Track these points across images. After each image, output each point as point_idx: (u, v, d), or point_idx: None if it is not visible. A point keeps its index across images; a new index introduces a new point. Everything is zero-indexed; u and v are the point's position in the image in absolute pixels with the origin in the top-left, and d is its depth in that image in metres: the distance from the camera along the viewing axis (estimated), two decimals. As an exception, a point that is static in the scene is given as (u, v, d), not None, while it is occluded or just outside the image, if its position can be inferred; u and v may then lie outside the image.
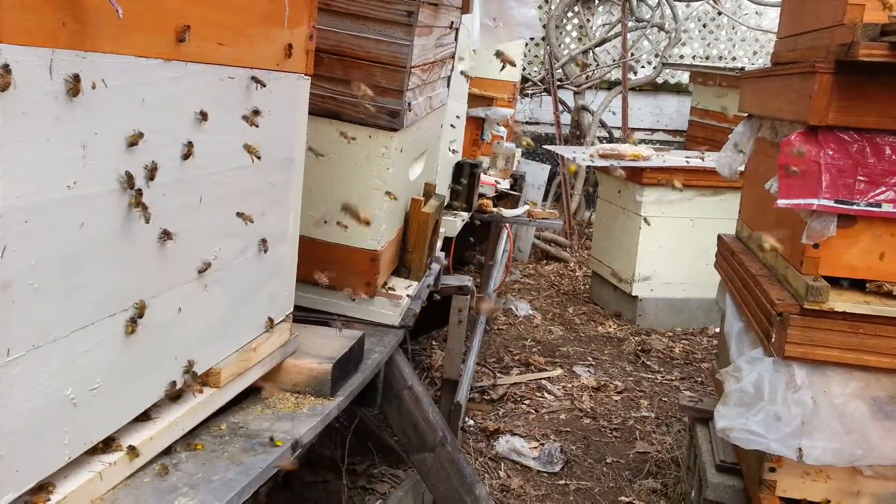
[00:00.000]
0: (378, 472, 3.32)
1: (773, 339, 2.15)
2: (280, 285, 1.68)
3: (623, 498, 3.29)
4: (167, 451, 1.30)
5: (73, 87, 0.90)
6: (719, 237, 3.17)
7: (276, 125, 1.53)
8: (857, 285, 2.19)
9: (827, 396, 2.16)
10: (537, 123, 9.03)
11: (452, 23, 2.65)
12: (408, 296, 2.51)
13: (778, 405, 2.09)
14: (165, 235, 1.18)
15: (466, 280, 3.29)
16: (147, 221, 1.10)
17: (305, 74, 1.62)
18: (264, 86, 1.37)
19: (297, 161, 1.66)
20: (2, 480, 0.90)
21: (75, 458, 1.05)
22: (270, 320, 1.62)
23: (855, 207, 2.11)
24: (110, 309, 1.08)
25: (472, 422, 3.90)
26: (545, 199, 8.17)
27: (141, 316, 1.12)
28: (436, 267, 3.08)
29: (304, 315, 2.39)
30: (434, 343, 4.90)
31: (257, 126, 1.38)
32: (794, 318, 2.12)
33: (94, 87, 0.95)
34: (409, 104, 2.27)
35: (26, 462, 0.94)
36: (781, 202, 2.13)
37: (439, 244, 3.19)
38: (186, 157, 1.20)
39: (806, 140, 2.13)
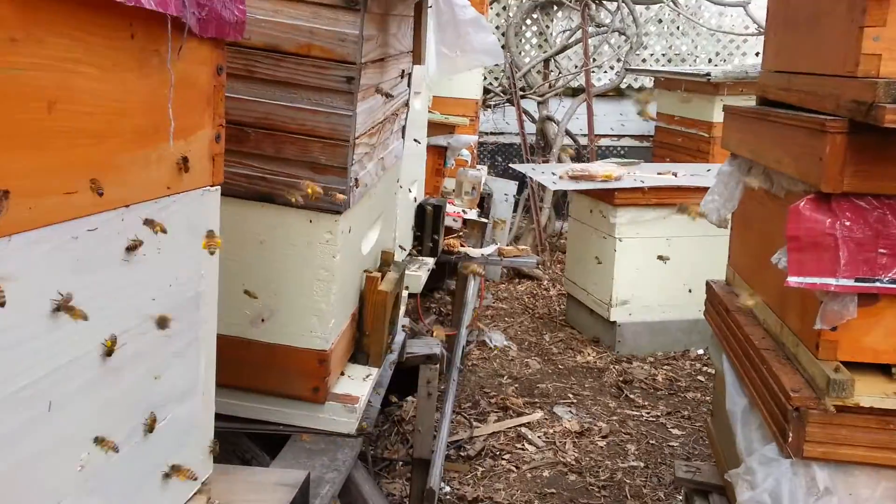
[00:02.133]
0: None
1: (789, 438, 1.85)
2: (189, 454, 1.32)
3: (618, 576, 2.99)
4: None
5: None
6: (708, 285, 2.87)
7: (173, 262, 1.17)
8: (881, 367, 1.91)
9: (854, 500, 1.87)
10: (502, 134, 8.74)
11: (403, 70, 2.30)
12: (366, 391, 2.16)
13: (801, 519, 1.79)
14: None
15: (435, 345, 2.95)
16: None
17: (213, 185, 1.26)
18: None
19: (206, 293, 1.30)
20: None
21: None
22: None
23: (878, 285, 1.81)
24: None
25: (448, 488, 3.57)
26: (514, 210, 7.87)
27: None
28: (399, 339, 2.73)
29: (242, 427, 2.04)
30: (408, 397, 4.56)
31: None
32: (813, 415, 1.82)
33: None
34: (356, 179, 1.91)
35: None
36: (793, 280, 1.82)
37: (403, 309, 2.85)
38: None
39: (818, 208, 1.83)
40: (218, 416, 1.98)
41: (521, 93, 7.59)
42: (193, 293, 1.26)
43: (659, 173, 5.47)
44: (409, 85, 2.49)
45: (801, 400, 1.84)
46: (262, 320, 1.96)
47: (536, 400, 4.57)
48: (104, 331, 1.02)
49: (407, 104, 2.54)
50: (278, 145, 1.79)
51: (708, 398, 4.64)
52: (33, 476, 0.91)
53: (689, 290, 5.09)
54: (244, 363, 1.97)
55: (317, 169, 1.82)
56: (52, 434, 0.93)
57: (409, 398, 4.37)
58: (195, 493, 1.36)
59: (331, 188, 1.81)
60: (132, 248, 1.05)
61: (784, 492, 1.85)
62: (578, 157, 7.85)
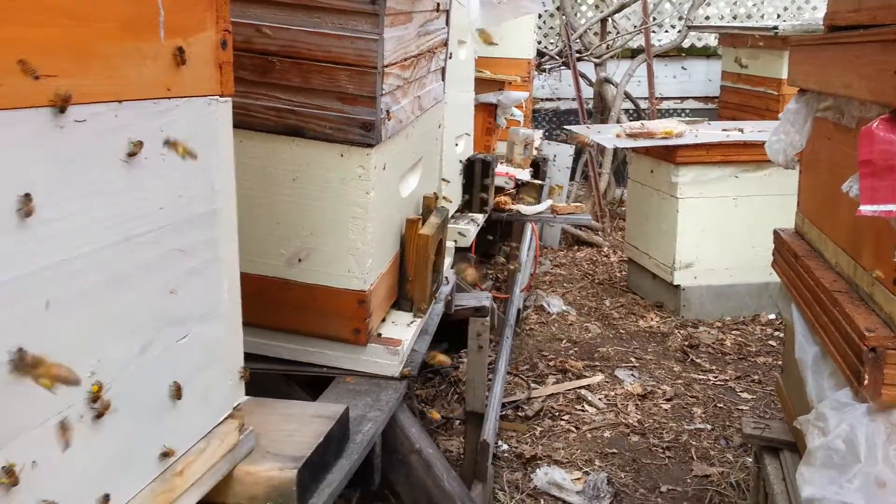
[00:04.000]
0: (400, 522, 2.95)
1: (865, 382, 1.68)
2: (217, 376, 1.27)
3: (683, 536, 2.85)
4: None
5: None
6: (776, 234, 2.68)
7: (180, 171, 1.12)
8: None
9: (942, 444, 1.69)
10: (558, 100, 8.52)
11: (438, 4, 2.20)
12: (410, 336, 2.10)
13: (879, 466, 1.63)
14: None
15: (484, 298, 2.86)
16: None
17: (222, 96, 1.20)
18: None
19: (223, 211, 1.25)
20: None
21: None
22: (184, 415, 1.21)
23: (965, 206, 1.62)
24: None
25: (505, 446, 3.49)
26: (572, 178, 7.67)
27: None
28: (446, 289, 2.66)
29: (285, 369, 2.01)
30: (463, 350, 4.50)
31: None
32: (891, 355, 1.66)
33: None
34: (388, 111, 1.83)
35: None
36: (866, 209, 1.64)
37: (448, 261, 2.77)
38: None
39: (892, 128, 1.65)
40: (260, 358, 1.97)
41: (577, 55, 7.35)
42: (207, 210, 1.21)
43: (724, 130, 5.20)
44: (447, 23, 2.39)
45: (878, 340, 1.67)
46: (299, 260, 1.91)
47: (597, 363, 4.43)
48: (107, 233, 0.97)
49: (446, 44, 2.44)
50: (305, 75, 1.73)
51: (780, 363, 4.40)
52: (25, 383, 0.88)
53: (758, 252, 4.83)
54: (284, 304, 1.93)
55: (345, 99, 1.75)
56: (52, 334, 0.89)
57: (466, 358, 4.31)
58: (226, 417, 1.32)
59: (359, 118, 1.74)
60: (132, 150, 1.00)
61: (860, 438, 1.69)
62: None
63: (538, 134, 5.65)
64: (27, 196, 0.83)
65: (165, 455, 1.13)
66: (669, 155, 4.86)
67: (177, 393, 1.15)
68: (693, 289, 5.08)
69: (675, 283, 5.05)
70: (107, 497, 0.99)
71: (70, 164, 0.89)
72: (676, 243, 4.98)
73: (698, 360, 4.45)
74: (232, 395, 1.34)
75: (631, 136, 4.85)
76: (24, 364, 0.83)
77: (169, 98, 1.05)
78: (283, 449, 1.41)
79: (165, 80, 1.04)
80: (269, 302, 1.94)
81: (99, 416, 0.96)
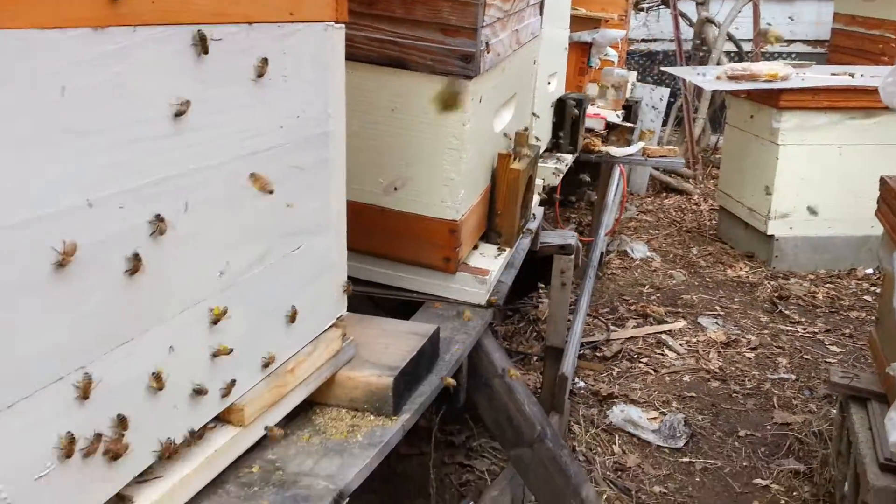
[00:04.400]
0: (477, 445, 3.08)
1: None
2: (325, 286, 1.38)
3: (759, 480, 2.87)
4: (178, 514, 1.06)
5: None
6: (882, 180, 2.57)
7: (298, 94, 1.20)
8: None
9: None
10: (654, 41, 8.20)
11: (540, -65, 2.18)
12: (497, 267, 2.16)
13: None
14: (134, 263, 0.90)
15: (570, 237, 2.89)
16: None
17: (337, 22, 1.27)
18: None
19: (335, 133, 1.33)
20: None
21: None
22: (296, 320, 1.32)
23: None
24: (53, 375, 0.82)
25: (582, 383, 3.56)
26: (664, 124, 7.44)
27: (86, 396, 0.85)
28: (533, 225, 2.70)
29: (378, 292, 2.12)
30: (542, 290, 4.56)
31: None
32: None
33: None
34: (487, 44, 1.86)
35: None
36: None
37: (536, 199, 2.80)
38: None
39: None
40: (355, 281, 2.08)
41: (678, -7, 7.02)
42: (321, 131, 1.29)
43: (833, 74, 4.91)
44: (547, -45, 2.36)
45: None
46: (395, 189, 1.99)
47: (679, 310, 4.40)
48: (236, 146, 1.07)
49: (545, -24, 2.41)
50: (408, 6, 1.77)
51: (874, 317, 4.24)
52: (179, 271, 0.99)
53: (860, 203, 4.60)
54: (379, 231, 2.03)
55: (447, 31, 1.79)
56: (188, 234, 1.00)
57: (546, 300, 4.37)
58: (331, 326, 1.43)
59: (460, 50, 1.77)
60: (260, 68, 1.08)
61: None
62: (740, 63, 7.20)
63: (632, 76, 5.49)
64: (180, 103, 0.93)
65: (279, 354, 1.26)
66: (772, 99, 4.65)
67: (292, 313, 1.26)
68: (787, 239, 4.92)
69: (769, 232, 4.89)
70: (233, 382, 1.12)
71: (209, 79, 0.98)
72: (773, 192, 4.81)
73: (787, 312, 4.35)
74: (336, 307, 1.45)
75: (732, 78, 4.66)
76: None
77: (291, 22, 1.12)
78: (380, 359, 1.52)
79: (288, 6, 1.11)
80: (366, 228, 2.04)
81: (221, 315, 1.07)
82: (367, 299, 2.15)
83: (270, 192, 1.12)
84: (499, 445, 3.04)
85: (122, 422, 0.92)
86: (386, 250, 2.06)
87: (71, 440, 0.85)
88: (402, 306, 2.13)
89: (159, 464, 1.03)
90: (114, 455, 0.91)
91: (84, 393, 0.85)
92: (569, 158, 3.50)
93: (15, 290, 0.76)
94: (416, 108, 1.90)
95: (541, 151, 3.15)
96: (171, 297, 0.99)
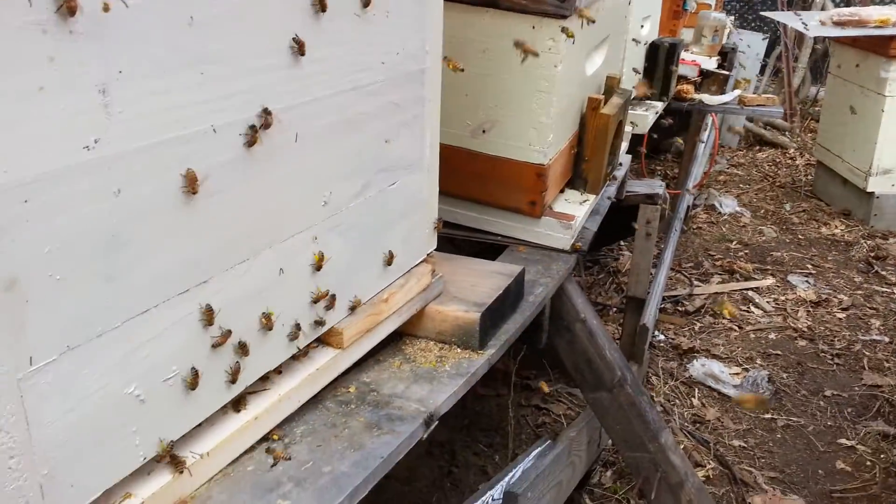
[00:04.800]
0: (554, 390, 3.12)
1: None
2: (417, 222, 1.42)
3: (844, 440, 2.80)
4: (282, 425, 1.14)
5: (69, 5, 0.66)
6: None
7: (399, 30, 1.22)
8: None
9: None
10: (754, -17, 7.74)
11: None
12: (583, 213, 2.15)
13: None
14: (249, 188, 0.95)
15: (657, 186, 2.83)
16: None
17: (436, -42, 1.27)
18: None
19: (431, 71, 1.35)
20: (53, 500, 0.78)
21: (153, 457, 0.91)
22: (391, 253, 1.36)
23: None
24: (180, 285, 0.89)
25: (662, 336, 3.53)
26: (761, 73, 7.07)
27: (210, 322, 0.93)
28: (619, 173, 2.66)
29: (462, 235, 2.15)
30: (622, 243, 4.50)
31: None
32: None
33: (106, 9, 0.71)
34: (582, -18, 1.82)
35: (83, 474, 0.81)
36: None
37: (624, 145, 2.75)
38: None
39: None
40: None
41: (783, -70, 6.58)
42: (418, 68, 1.31)
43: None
44: None
45: None
46: (483, 131, 2.00)
47: (768, 267, 4.26)
48: (341, 80, 1.11)
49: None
50: (503, -57, 1.75)
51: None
52: (289, 198, 1.05)
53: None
54: (466, 173, 2.05)
55: (542, -32, 1.75)
56: (295, 165, 1.05)
57: (627, 252, 4.31)
58: (422, 261, 1.48)
59: (556, -12, 1.74)
60: (366, 2, 1.10)
61: None
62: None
63: (729, 20, 5.22)
64: (297, 37, 0.97)
65: (388, 262, 1.31)
66: (882, 47, 4.34)
67: (387, 246, 1.31)
68: (889, 197, 4.65)
69: (869, 189, 4.64)
70: (333, 297, 1.18)
71: (318, 13, 1.02)
72: (877, 146, 4.54)
73: (884, 273, 4.14)
74: (427, 243, 1.49)
75: (838, 24, 4.36)
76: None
77: (393, -43, 1.14)
78: (467, 296, 1.57)
79: (391, -60, 1.12)
80: (452, 170, 2.05)
81: (321, 261, 1.13)
82: (448, 242, 2.19)
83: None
84: (575, 391, 3.07)
85: (242, 347, 1.00)
86: (471, 193, 2.08)
87: (195, 349, 0.93)
88: (484, 250, 2.16)
89: (267, 378, 1.11)
90: (234, 371, 0.99)
91: (208, 320, 0.93)
92: (659, 106, 3.40)
93: (147, 208, 0.83)
94: (507, 50, 1.88)
95: (631, 97, 3.07)
96: (281, 222, 1.05)
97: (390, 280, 1.37)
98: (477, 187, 2.08)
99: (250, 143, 0.93)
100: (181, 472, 0.92)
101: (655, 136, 4.38)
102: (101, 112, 0.73)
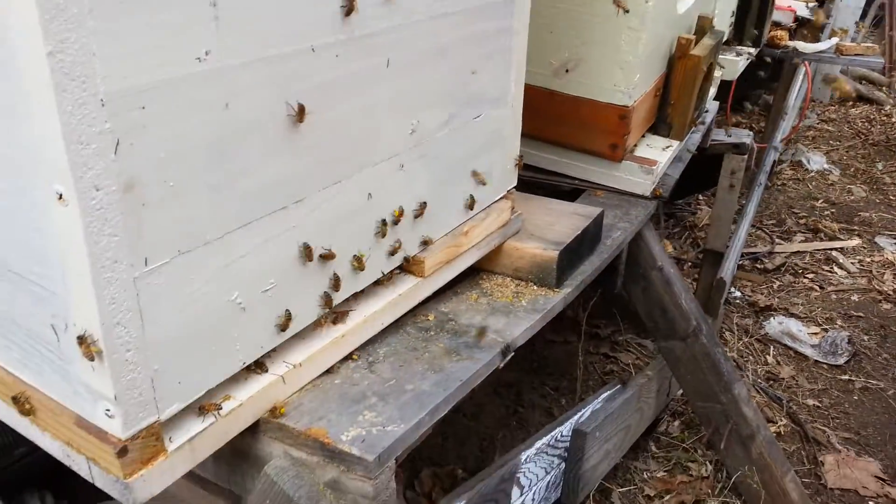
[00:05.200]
0: (623, 339, 3.11)
1: None
2: (499, 158, 1.42)
3: (926, 407, 2.69)
4: (365, 346, 1.19)
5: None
6: None
7: (491, -44, 1.21)
8: None
9: None
10: (862, -76, 7.17)
11: None
12: (665, 159, 2.10)
13: None
14: (343, 111, 0.97)
15: (745, 136, 2.72)
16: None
17: None
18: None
19: (520, 3, 1.33)
20: (162, 394, 0.84)
21: (251, 362, 0.96)
22: (472, 199, 1.38)
23: None
24: (278, 202, 0.93)
25: (738, 293, 3.45)
26: (862, 18, 6.61)
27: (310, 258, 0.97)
28: (706, 119, 2.57)
29: (539, 177, 2.14)
30: (700, 197, 4.37)
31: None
32: None
33: (219, -76, 0.73)
34: (680, -88, 1.74)
35: (189, 373, 0.87)
36: None
37: (712, 91, 2.65)
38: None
39: None
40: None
41: None
42: (507, -2, 1.29)
43: None
44: None
45: None
46: (567, 71, 1.96)
47: (855, 227, 4.07)
48: (432, 6, 1.10)
49: None
50: None
51: None
52: (378, 122, 1.07)
53: None
54: (546, 115, 2.02)
55: None
56: (386, 90, 1.06)
57: (704, 207, 4.19)
58: (502, 197, 1.48)
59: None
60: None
61: None
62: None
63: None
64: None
65: (469, 207, 1.33)
66: None
67: (471, 164, 1.32)
68: None
69: (974, 149, 4.34)
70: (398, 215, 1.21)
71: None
72: None
73: (983, 238, 3.90)
74: (508, 179, 1.50)
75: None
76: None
77: None
78: (545, 234, 1.57)
79: None
80: (532, 111, 2.03)
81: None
82: (523, 185, 2.17)
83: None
84: (645, 342, 3.05)
85: (332, 264, 1.03)
86: (550, 135, 2.06)
87: (290, 264, 0.97)
88: (559, 195, 2.14)
89: (353, 300, 1.15)
90: (328, 288, 1.03)
91: (308, 256, 0.97)
92: (751, 52, 3.24)
93: (251, 124, 0.86)
94: (596, -14, 1.83)
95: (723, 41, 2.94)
96: (370, 148, 1.07)
97: (471, 214, 1.38)
98: (556, 129, 2.05)
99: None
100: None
101: (745, 81, 4.18)
102: (211, 24, 0.76)
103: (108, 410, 0.80)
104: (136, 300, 0.77)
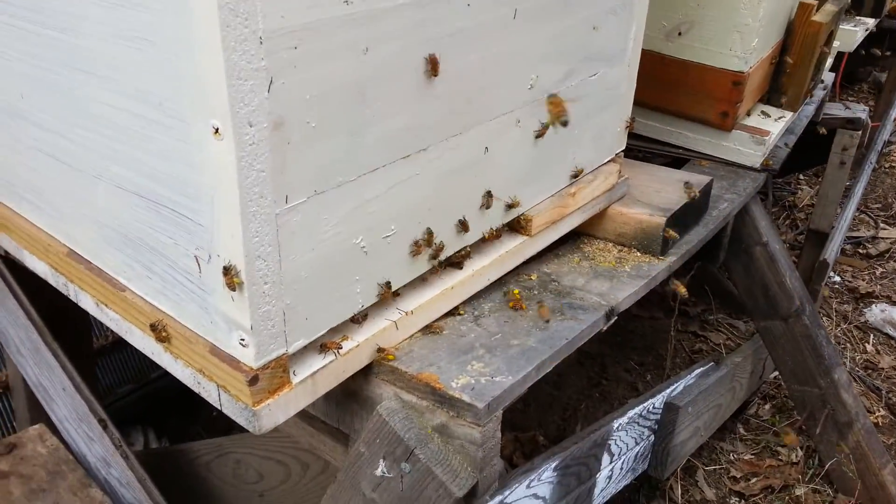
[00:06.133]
0: (714, 319, 3.03)
1: None
2: (610, 119, 1.39)
3: None
4: (471, 301, 1.20)
5: None
6: None
7: None
8: None
9: None
10: None
11: None
12: (778, 130, 2.01)
13: None
14: (474, 63, 0.97)
15: (860, 111, 2.57)
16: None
17: None
18: None
19: (645, -43, 1.29)
20: (291, 328, 0.87)
21: (369, 305, 0.99)
22: (577, 172, 1.36)
23: None
24: (405, 149, 0.94)
25: (838, 278, 3.29)
26: None
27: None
28: (819, 93, 2.44)
29: (641, 145, 2.09)
30: (801, 178, 4.17)
31: None
32: None
33: None
34: None
35: (315, 310, 0.90)
36: None
37: (829, 63, 2.50)
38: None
39: None
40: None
41: None
42: (632, -47, 1.26)
43: None
44: None
45: None
46: (679, 34, 1.89)
47: (972, 215, 3.80)
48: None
49: None
50: None
51: None
52: (499, 76, 1.06)
53: None
54: (654, 80, 1.96)
55: None
56: (510, 43, 1.06)
57: (805, 186, 4.00)
58: (610, 160, 1.46)
59: None
60: None
61: None
62: None
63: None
64: None
65: (574, 176, 1.32)
66: None
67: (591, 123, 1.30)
68: None
69: None
70: (515, 200, 1.20)
71: None
72: None
73: None
74: (618, 142, 1.47)
75: None
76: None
77: None
78: (651, 200, 1.53)
79: None
80: (639, 77, 1.98)
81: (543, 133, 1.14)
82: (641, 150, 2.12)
83: None
84: (736, 322, 2.96)
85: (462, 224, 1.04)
86: (657, 101, 2.00)
87: (411, 212, 0.99)
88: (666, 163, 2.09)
89: (459, 256, 1.16)
90: (437, 249, 1.04)
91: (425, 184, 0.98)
92: (870, 23, 3.04)
93: (386, 70, 0.87)
94: (717, -56, 1.75)
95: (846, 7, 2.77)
96: (490, 101, 1.07)
97: (579, 176, 1.36)
98: (664, 96, 1.99)
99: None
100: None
101: (856, 56, 3.94)
102: (358, -33, 0.77)
103: (242, 340, 0.84)
104: (275, 235, 0.80)
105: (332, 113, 0.81)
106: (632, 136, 2.08)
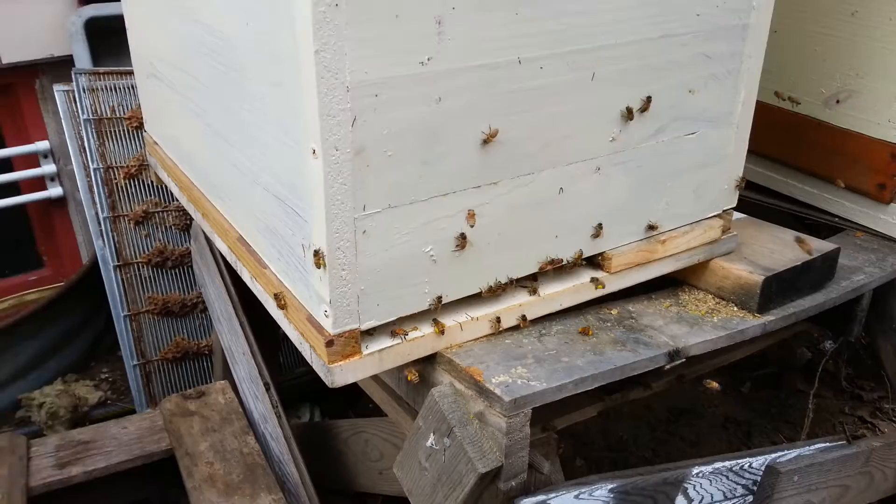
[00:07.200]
0: (889, 408, 2.75)
1: None
2: (713, 177, 1.48)
3: None
4: (542, 320, 1.36)
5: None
6: None
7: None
8: None
9: None
10: None
11: None
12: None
13: None
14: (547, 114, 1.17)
15: None
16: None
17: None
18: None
19: (756, 27, 1.37)
20: (364, 309, 1.12)
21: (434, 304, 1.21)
22: (652, 226, 1.45)
23: None
24: (475, 181, 1.15)
25: None
26: None
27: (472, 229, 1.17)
28: None
29: (794, 209, 2.06)
30: None
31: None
32: None
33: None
34: None
35: (386, 299, 1.14)
36: None
37: None
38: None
39: None
40: (773, 194, 2.07)
41: None
42: (740, 23, 1.35)
43: None
44: None
45: None
46: (837, 101, 1.88)
47: None
48: (649, 28, 1.23)
49: None
50: None
51: None
52: (576, 128, 1.24)
53: None
54: (810, 145, 1.96)
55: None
56: (592, 100, 1.23)
57: None
58: (714, 216, 1.53)
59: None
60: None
61: None
62: None
63: None
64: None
65: (651, 227, 1.43)
66: None
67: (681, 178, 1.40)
68: None
69: None
70: (600, 226, 1.35)
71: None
72: None
73: None
74: (724, 199, 1.53)
75: None
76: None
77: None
78: (759, 259, 1.57)
79: None
80: (797, 140, 1.98)
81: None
82: (773, 213, 2.10)
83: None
84: (918, 417, 2.68)
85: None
86: (813, 166, 1.99)
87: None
88: (814, 229, 2.04)
89: (539, 277, 1.34)
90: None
91: (472, 221, 1.19)
92: None
93: (459, 116, 1.09)
94: (882, 13, 1.74)
95: None
96: (566, 149, 1.24)
97: (672, 225, 1.46)
98: (820, 161, 1.97)
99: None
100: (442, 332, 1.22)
101: None
102: (435, 37, 1.01)
103: (325, 311, 1.11)
104: (353, 234, 1.06)
105: (406, 146, 1.06)
106: (786, 198, 2.08)
